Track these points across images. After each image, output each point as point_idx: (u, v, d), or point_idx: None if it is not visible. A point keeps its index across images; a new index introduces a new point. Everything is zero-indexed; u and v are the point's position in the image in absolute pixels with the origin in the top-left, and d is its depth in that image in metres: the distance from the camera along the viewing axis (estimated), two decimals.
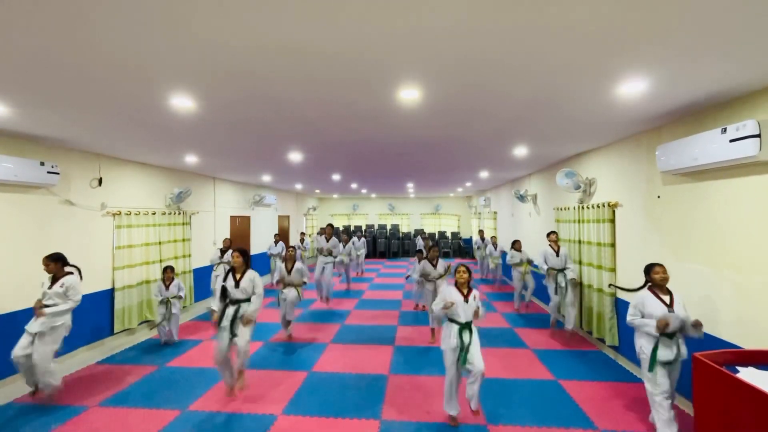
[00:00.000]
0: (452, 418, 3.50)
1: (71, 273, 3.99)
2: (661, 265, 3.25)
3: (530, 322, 6.73)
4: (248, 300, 4.02)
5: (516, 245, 7.44)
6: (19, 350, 3.69)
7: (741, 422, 2.10)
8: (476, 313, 3.47)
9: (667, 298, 3.18)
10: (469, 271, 3.64)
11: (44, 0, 1.70)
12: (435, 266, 5.90)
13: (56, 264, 3.91)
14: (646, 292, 3.27)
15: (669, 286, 3.27)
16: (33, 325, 3.75)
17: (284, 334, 5.87)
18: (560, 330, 5.94)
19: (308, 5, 1.77)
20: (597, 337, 5.24)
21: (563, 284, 5.54)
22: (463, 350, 3.36)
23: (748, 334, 2.97)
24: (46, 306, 3.80)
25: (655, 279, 3.22)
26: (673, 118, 3.65)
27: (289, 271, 5.74)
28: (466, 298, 3.51)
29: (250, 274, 4.09)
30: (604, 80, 2.71)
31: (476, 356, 3.37)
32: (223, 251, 7.52)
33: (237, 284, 4.00)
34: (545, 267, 5.78)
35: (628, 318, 3.31)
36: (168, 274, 5.59)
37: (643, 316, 3.23)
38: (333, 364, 4.87)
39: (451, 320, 3.51)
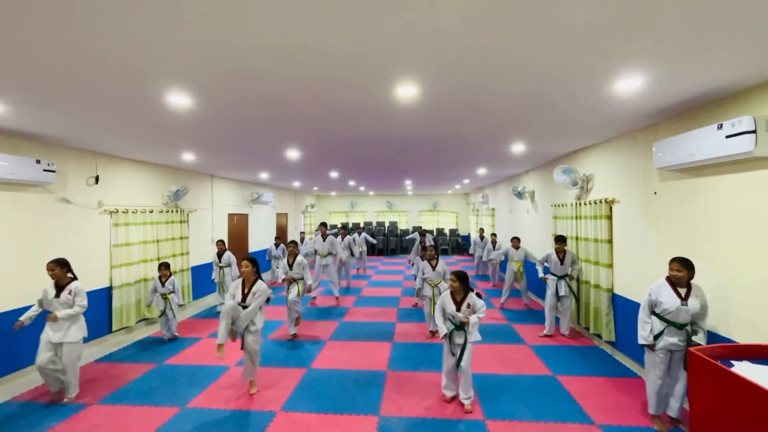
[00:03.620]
0: (447, 399, 3.68)
1: (76, 278, 3.94)
2: (676, 262, 3.19)
3: (528, 318, 6.75)
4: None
5: (514, 242, 7.36)
6: (42, 359, 3.68)
7: (736, 416, 2.12)
8: (469, 319, 3.51)
9: (683, 291, 3.16)
10: (459, 278, 3.63)
11: None
12: (434, 267, 5.84)
13: (62, 269, 3.84)
14: (663, 280, 3.26)
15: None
16: (54, 336, 3.75)
17: (288, 332, 5.82)
18: (556, 332, 5.88)
19: (305, 2, 1.76)
20: (594, 333, 5.27)
21: (564, 292, 5.52)
22: (455, 351, 3.54)
23: (743, 329, 3.00)
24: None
25: (670, 274, 3.22)
26: (670, 114, 3.66)
27: (290, 266, 5.80)
28: (459, 306, 3.58)
29: (259, 285, 3.97)
30: (600, 77, 2.71)
31: (465, 358, 3.53)
32: (219, 255, 7.14)
33: (244, 298, 3.91)
34: (541, 268, 5.70)
35: (641, 312, 3.27)
36: (163, 271, 5.68)
37: (654, 305, 3.24)
38: (332, 360, 4.89)
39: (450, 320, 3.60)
